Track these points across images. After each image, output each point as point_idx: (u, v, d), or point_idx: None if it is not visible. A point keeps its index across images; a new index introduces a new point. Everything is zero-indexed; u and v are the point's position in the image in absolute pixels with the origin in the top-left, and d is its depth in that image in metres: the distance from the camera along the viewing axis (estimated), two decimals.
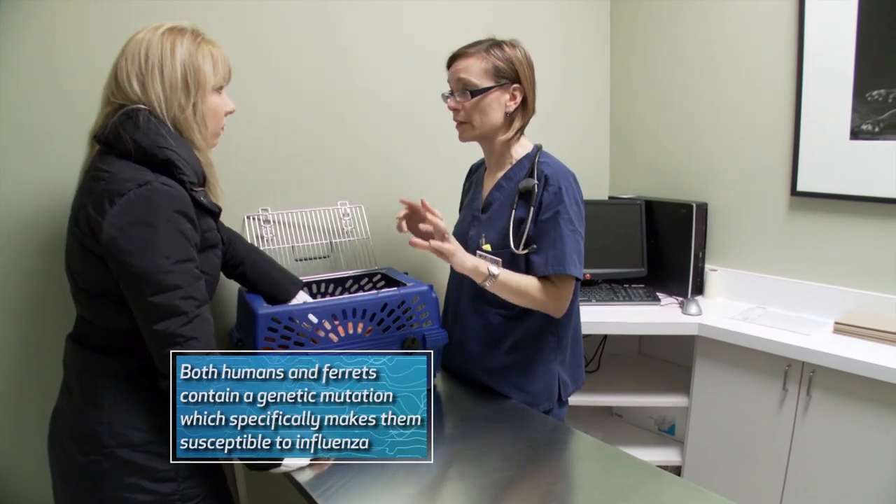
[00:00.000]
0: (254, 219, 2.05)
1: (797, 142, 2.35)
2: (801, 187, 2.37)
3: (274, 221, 2.08)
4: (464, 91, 1.71)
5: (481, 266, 1.67)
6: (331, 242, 2.16)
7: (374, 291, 1.81)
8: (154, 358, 1.25)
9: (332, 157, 2.21)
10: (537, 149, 1.80)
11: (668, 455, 2.53)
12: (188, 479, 1.35)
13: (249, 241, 1.98)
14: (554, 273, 1.67)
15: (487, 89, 1.70)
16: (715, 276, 2.63)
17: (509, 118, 1.76)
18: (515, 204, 1.74)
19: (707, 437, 2.38)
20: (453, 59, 1.75)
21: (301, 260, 2.11)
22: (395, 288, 1.83)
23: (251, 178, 2.05)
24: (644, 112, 2.90)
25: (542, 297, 1.69)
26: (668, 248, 2.71)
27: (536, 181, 1.72)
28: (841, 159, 2.24)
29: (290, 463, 1.42)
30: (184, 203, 1.28)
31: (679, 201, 2.67)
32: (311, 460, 1.47)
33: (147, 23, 1.73)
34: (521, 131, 1.79)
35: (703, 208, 2.64)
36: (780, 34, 2.37)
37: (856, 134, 2.19)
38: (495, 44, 1.73)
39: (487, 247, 1.77)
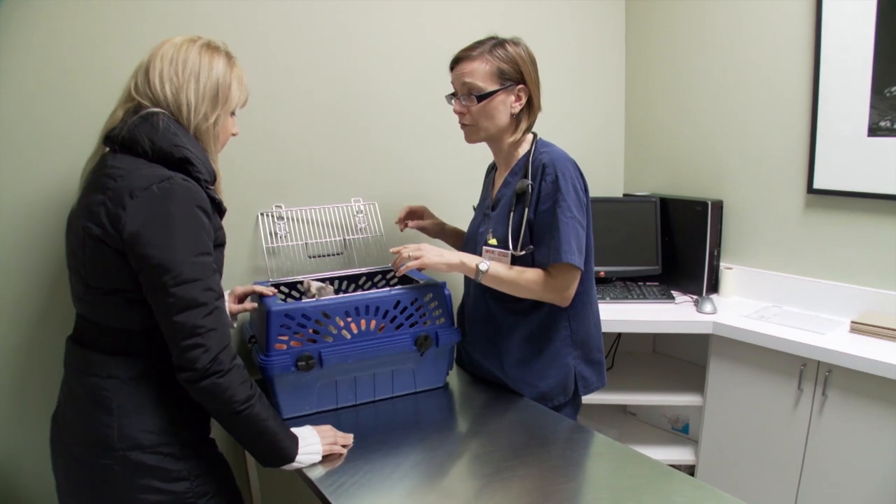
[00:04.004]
0: (267, 215, 2.06)
1: (814, 139, 2.33)
2: (817, 185, 2.35)
3: (287, 218, 2.09)
4: (469, 95, 1.70)
5: (468, 261, 1.71)
6: (344, 239, 2.17)
7: (387, 289, 1.82)
8: (173, 351, 1.26)
9: (346, 154, 2.21)
10: (534, 141, 1.79)
11: (682, 454, 2.52)
12: (199, 476, 1.36)
13: (263, 237, 2.00)
14: (553, 263, 1.67)
15: (493, 93, 1.69)
16: (730, 274, 2.61)
17: (515, 119, 1.75)
18: (513, 206, 1.74)
19: (721, 437, 2.36)
20: (456, 62, 1.74)
21: (314, 257, 2.12)
22: (409, 285, 1.83)
23: (265, 174, 2.06)
24: (659, 109, 2.88)
25: (542, 289, 1.69)
26: (682, 245, 2.69)
27: (531, 181, 1.71)
28: (858, 156, 2.21)
29: (302, 459, 1.43)
30: (202, 199, 1.30)
31: (694, 199, 2.65)
32: (323, 456, 1.48)
33: (157, 27, 1.78)
34: (528, 131, 1.78)
35: (718, 206, 2.62)
36: (797, 29, 2.34)
37: (874, 131, 2.16)
38: (498, 44, 1.71)
39: (493, 241, 1.78)
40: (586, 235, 1.73)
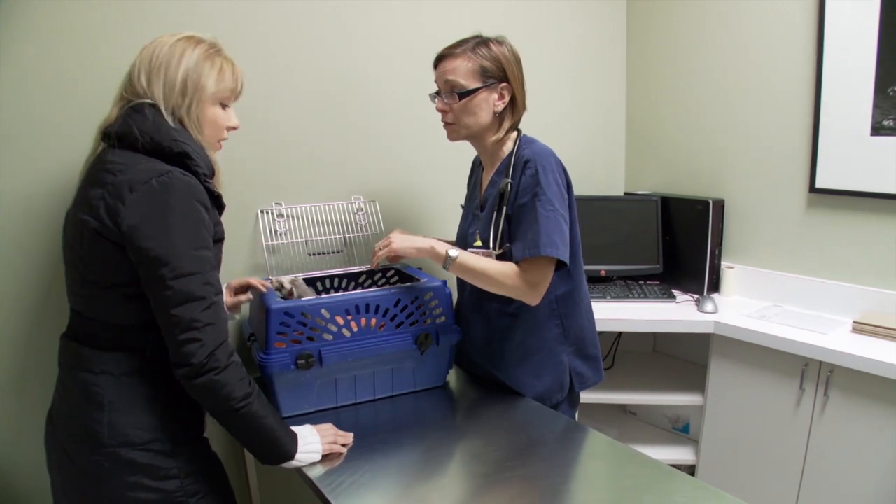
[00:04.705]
0: (267, 213, 2.05)
1: (816, 137, 2.32)
2: (819, 184, 2.34)
3: (287, 216, 2.08)
4: (451, 92, 1.69)
5: (439, 247, 1.69)
6: (344, 237, 2.17)
7: (387, 287, 1.81)
8: (169, 345, 1.25)
9: (347, 152, 2.21)
10: (518, 138, 1.77)
11: (683, 454, 2.51)
12: (190, 475, 1.35)
13: (263, 234, 1.99)
14: (531, 256, 1.62)
15: (475, 90, 1.68)
16: (731, 273, 2.60)
17: (498, 118, 1.73)
18: (496, 206, 1.73)
19: (722, 437, 2.36)
20: (440, 60, 1.73)
21: (314, 255, 2.11)
22: (409, 284, 1.82)
23: (265, 171, 2.05)
24: (660, 107, 2.88)
25: (513, 282, 1.64)
26: (684, 244, 2.69)
27: (511, 179, 1.70)
28: (861, 155, 2.20)
29: (301, 458, 1.42)
30: (201, 193, 1.30)
31: (695, 197, 2.64)
32: (323, 455, 1.47)
33: (157, 25, 1.79)
34: (511, 130, 1.76)
35: (719, 205, 2.61)
36: (799, 28, 2.33)
37: (877, 130, 2.15)
38: (481, 42, 1.69)
39: (478, 243, 1.76)
40: (571, 231, 1.70)
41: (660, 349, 2.96)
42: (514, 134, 1.78)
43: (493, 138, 1.75)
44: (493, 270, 1.65)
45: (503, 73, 1.69)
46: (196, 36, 1.39)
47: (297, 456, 1.42)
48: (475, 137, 1.77)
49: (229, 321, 1.73)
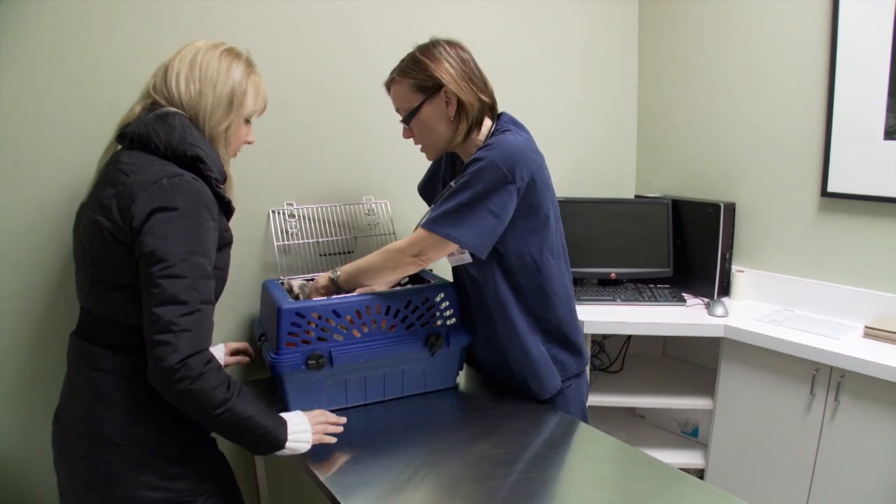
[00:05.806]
0: (279, 213, 2.05)
1: (828, 141, 2.31)
2: (831, 188, 2.33)
3: (299, 216, 2.08)
4: (404, 118, 1.70)
5: (320, 280, 1.77)
6: (355, 238, 2.17)
7: (397, 287, 1.81)
8: (146, 344, 1.22)
9: (359, 153, 2.21)
10: (488, 133, 1.70)
11: (691, 458, 2.51)
12: (198, 475, 1.35)
13: (274, 235, 2.00)
14: (423, 227, 1.61)
15: (416, 109, 1.66)
16: (742, 277, 2.59)
17: (455, 123, 1.67)
18: None
19: (731, 441, 2.35)
20: (388, 92, 1.75)
21: (325, 255, 2.12)
22: (420, 284, 1.82)
23: (277, 172, 2.05)
24: (672, 110, 2.87)
25: (387, 258, 1.67)
26: (694, 248, 2.68)
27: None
28: (874, 160, 2.20)
29: (292, 446, 1.41)
30: (209, 200, 1.31)
31: (706, 201, 2.64)
32: (314, 438, 1.47)
33: (168, 24, 1.79)
34: (472, 131, 1.69)
35: (730, 208, 2.60)
36: (812, 31, 2.33)
37: (890, 134, 2.14)
38: (409, 58, 1.68)
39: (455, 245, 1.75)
40: (535, 221, 1.65)
41: (669, 352, 2.96)
42: (487, 129, 1.71)
43: (454, 144, 1.71)
44: (377, 260, 1.69)
45: (438, 79, 1.63)
46: (235, 49, 1.42)
47: (288, 444, 1.39)
48: (448, 149, 1.75)
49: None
